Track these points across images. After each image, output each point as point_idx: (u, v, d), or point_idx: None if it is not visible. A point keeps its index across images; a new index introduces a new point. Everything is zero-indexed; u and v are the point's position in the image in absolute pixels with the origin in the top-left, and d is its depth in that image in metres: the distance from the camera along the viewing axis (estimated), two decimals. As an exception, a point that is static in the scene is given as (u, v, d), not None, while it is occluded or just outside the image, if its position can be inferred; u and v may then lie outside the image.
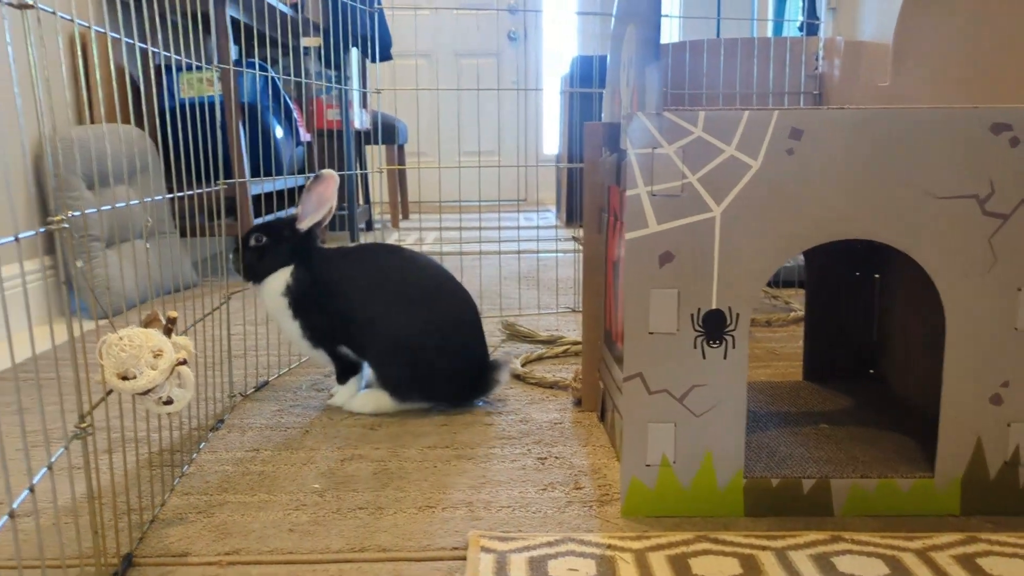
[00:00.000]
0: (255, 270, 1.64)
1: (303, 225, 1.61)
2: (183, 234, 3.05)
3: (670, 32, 5.13)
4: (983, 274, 1.11)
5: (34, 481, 0.84)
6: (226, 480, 1.31)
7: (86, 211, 1.04)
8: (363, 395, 1.65)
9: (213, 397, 1.65)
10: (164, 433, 1.43)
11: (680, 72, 2.71)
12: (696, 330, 1.12)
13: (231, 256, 1.67)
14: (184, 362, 1.04)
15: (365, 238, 4.66)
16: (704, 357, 1.13)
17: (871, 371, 1.62)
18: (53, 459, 0.90)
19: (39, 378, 0.92)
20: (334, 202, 1.61)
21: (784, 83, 2.72)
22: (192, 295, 2.02)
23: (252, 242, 1.63)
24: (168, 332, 1.07)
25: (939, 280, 1.11)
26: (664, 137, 1.09)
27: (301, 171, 3.86)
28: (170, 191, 2.85)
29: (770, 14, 3.28)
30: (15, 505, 0.82)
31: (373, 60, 4.32)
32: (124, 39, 1.17)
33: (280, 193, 3.76)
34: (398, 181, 5.54)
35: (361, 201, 4.90)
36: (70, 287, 2.52)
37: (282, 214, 1.37)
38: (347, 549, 1.08)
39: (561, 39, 7.12)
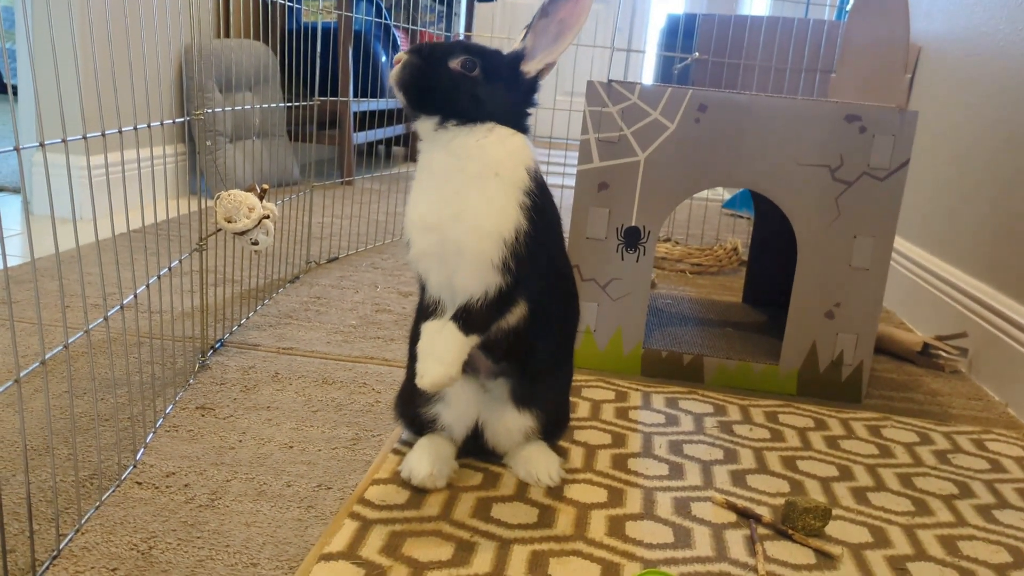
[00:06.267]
0: (456, 102, 1.02)
1: (531, 65, 1.06)
2: (292, 139, 3.61)
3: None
4: (829, 223, 1.53)
5: (160, 273, 1.38)
6: (291, 311, 1.86)
7: (216, 110, 1.56)
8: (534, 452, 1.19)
9: (294, 263, 2.20)
10: (257, 280, 1.99)
11: (724, 43, 3.10)
12: (619, 239, 1.59)
13: (394, 69, 1.03)
14: (268, 217, 1.57)
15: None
16: (622, 259, 1.59)
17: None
18: (178, 260, 1.44)
19: (168, 233, 1.45)
20: (579, 29, 1.03)
21: (818, 60, 3.07)
22: (293, 189, 2.57)
23: (456, 64, 1.02)
24: (260, 197, 1.60)
25: (796, 224, 1.54)
26: (610, 100, 1.54)
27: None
28: (286, 101, 3.42)
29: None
30: (145, 288, 1.36)
31: (480, -1, 4.77)
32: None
33: (380, 113, 4.27)
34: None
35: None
36: (195, 170, 3.13)
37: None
38: (363, 356, 1.61)
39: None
